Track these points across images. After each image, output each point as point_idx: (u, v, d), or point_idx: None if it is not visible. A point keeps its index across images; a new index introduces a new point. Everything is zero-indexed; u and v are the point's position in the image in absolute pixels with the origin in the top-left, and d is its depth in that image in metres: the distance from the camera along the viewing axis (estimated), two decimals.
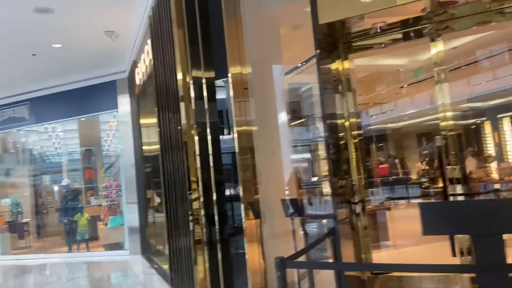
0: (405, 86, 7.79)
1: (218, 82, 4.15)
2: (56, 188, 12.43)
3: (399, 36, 4.00)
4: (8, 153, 11.38)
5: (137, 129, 8.26)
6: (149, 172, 7.88)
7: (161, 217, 7.08)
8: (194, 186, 4.37)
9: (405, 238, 5.37)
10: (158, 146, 7.13)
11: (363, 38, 4.02)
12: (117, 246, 8.91)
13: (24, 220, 10.89)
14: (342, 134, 3.85)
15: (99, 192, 10.43)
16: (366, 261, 3.83)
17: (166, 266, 6.25)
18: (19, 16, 5.89)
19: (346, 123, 3.90)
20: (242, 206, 3.84)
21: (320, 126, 6.02)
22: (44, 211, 11.81)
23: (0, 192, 11.24)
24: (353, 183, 3.83)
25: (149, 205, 7.94)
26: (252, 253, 3.81)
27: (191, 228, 4.37)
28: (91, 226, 9.76)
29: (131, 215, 8.47)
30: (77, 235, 9.22)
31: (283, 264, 2.12)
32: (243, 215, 3.86)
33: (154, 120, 7.64)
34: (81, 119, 9.67)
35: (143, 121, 8.01)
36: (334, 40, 3.92)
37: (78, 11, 5.84)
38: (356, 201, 3.80)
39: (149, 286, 6.00)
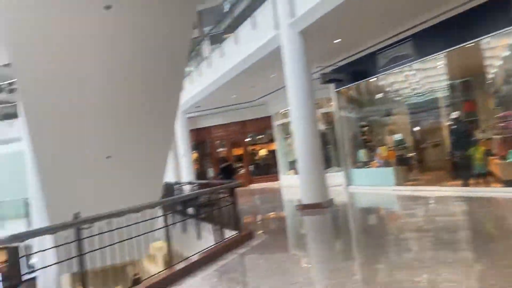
0: None
1: None
2: (424, 124, 12.49)
3: None
4: (388, 93, 12.13)
5: None
6: None
7: None
8: None
9: None
10: None
11: None
12: None
13: (409, 155, 11.53)
14: None
15: (489, 124, 9.58)
16: None
17: None
18: None
19: None
20: None
21: None
22: (423, 146, 12.12)
23: (386, 130, 12.30)
24: None
25: None
26: None
27: None
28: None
29: None
30: (474, 169, 8.80)
31: None
32: None
33: None
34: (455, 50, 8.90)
35: None
36: None
37: None
38: None
39: None
